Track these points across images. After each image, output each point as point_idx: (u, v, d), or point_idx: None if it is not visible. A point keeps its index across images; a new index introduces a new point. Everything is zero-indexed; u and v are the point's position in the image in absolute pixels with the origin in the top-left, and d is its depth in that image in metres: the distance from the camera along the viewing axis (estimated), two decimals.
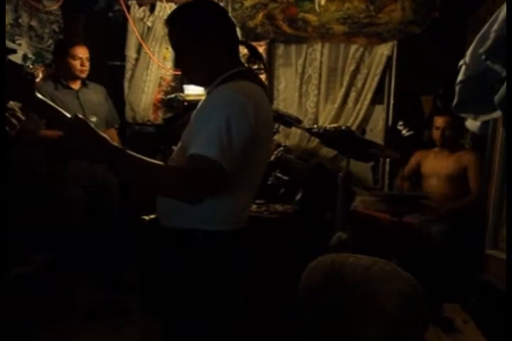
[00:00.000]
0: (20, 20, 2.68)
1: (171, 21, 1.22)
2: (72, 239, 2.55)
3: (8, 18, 2.58)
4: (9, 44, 2.56)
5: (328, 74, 3.24)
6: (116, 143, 1.06)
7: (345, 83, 3.18)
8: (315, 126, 2.44)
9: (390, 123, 3.20)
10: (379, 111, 3.29)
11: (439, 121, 2.66)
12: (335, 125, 2.36)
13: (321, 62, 3.23)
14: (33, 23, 2.80)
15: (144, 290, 2.36)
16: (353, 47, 3.17)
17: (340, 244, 1.83)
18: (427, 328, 1.36)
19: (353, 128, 3.01)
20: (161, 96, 3.39)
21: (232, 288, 1.24)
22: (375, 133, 3.28)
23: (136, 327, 2.30)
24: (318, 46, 3.22)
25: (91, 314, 2.42)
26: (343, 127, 2.20)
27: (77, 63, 2.48)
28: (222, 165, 1.04)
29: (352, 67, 3.17)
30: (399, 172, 2.94)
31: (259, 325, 1.93)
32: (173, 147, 1.32)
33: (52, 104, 1.23)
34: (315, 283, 1.39)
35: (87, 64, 2.53)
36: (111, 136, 2.79)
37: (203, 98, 1.25)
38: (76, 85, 2.57)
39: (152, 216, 1.33)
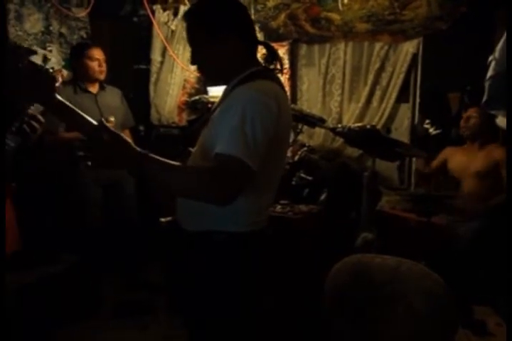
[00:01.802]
0: (51, 28, 2.78)
1: (188, 16, 1.22)
2: (95, 239, 2.60)
3: (40, 26, 2.68)
4: (41, 51, 2.65)
5: (352, 73, 3.21)
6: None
7: (369, 82, 3.14)
8: (339, 125, 2.42)
9: (416, 121, 3.14)
10: (404, 110, 3.23)
11: (470, 111, 2.56)
12: (359, 124, 2.34)
13: (344, 61, 3.19)
14: (63, 30, 2.89)
15: (169, 290, 2.39)
16: (378, 45, 3.12)
17: (366, 244, 1.81)
18: (456, 330, 1.33)
19: (378, 127, 2.96)
20: (185, 98, 3.44)
21: (257, 288, 1.24)
22: (401, 132, 3.22)
23: (161, 326, 2.32)
24: (341, 45, 3.19)
25: (117, 312, 2.46)
26: (368, 126, 2.17)
27: (94, 64, 2.51)
28: (248, 164, 1.03)
29: (376, 66, 3.12)
30: (417, 168, 2.84)
31: (286, 325, 1.93)
32: (190, 149, 1.32)
33: (73, 107, 1.22)
34: (341, 283, 1.38)
35: (104, 65, 2.57)
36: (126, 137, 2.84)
37: (220, 98, 1.25)
38: (94, 88, 2.59)
39: (169, 218, 1.34)
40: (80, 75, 2.57)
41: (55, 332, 2.18)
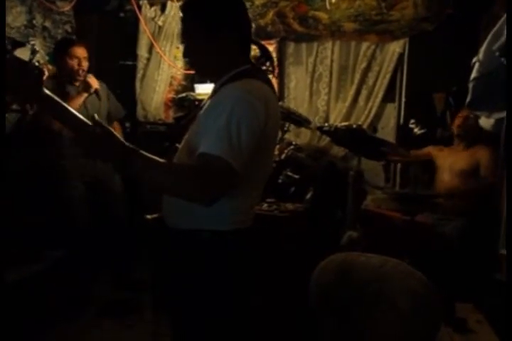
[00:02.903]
0: (34, 21, 2.72)
1: (185, 7, 1.21)
2: (79, 236, 2.57)
3: (23, 19, 2.63)
4: (32, 42, 2.59)
5: (339, 72, 3.22)
6: (119, 135, 1.05)
7: (356, 81, 3.16)
8: (326, 124, 2.43)
9: (401, 121, 3.17)
10: (390, 109, 3.26)
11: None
12: (346, 123, 2.35)
13: (331, 60, 3.21)
14: (47, 23, 2.84)
15: (155, 289, 2.38)
16: (365, 45, 3.14)
17: (351, 242, 1.82)
18: (440, 328, 1.35)
19: (364, 126, 2.99)
20: (172, 95, 3.41)
21: (242, 287, 1.24)
22: (387, 131, 3.25)
23: (148, 325, 2.31)
24: (329, 44, 3.20)
25: (103, 311, 2.44)
26: (354, 125, 2.18)
27: (74, 63, 2.47)
28: (231, 164, 1.03)
29: (363, 65, 3.14)
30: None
31: (272, 324, 1.93)
32: (177, 145, 1.31)
33: (60, 101, 1.19)
34: (326, 282, 1.39)
35: (84, 64, 2.51)
36: (114, 128, 2.80)
37: (209, 96, 1.24)
38: (78, 84, 2.53)
39: (155, 215, 1.33)
40: (61, 72, 2.53)
41: (40, 331, 2.16)
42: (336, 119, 3.16)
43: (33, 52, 2.26)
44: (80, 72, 2.49)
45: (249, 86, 1.12)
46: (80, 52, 2.50)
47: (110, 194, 2.67)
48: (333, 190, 2.24)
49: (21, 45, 1.44)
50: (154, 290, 2.42)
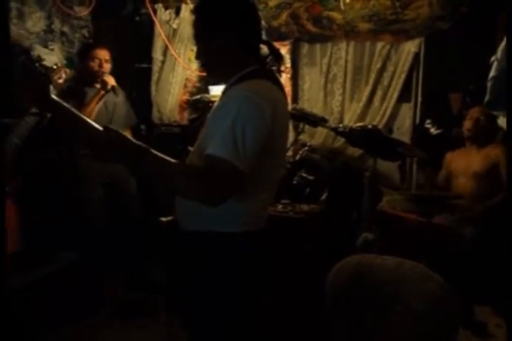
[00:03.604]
0: (53, 26, 2.78)
1: (196, 10, 1.22)
2: (95, 238, 2.60)
3: (42, 25, 2.69)
4: (43, 49, 2.65)
5: (353, 72, 3.20)
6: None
7: (371, 81, 3.14)
8: (340, 125, 2.42)
9: (417, 121, 3.14)
10: (406, 110, 3.23)
11: (475, 111, 2.55)
12: (361, 124, 2.34)
13: (346, 61, 3.19)
14: (65, 28, 2.90)
15: (169, 290, 2.39)
16: (379, 45, 3.12)
17: (367, 244, 1.81)
18: (458, 331, 1.33)
19: (380, 126, 2.96)
20: (186, 97, 3.44)
21: (253, 288, 1.24)
22: (402, 131, 3.22)
23: (162, 327, 2.33)
24: (343, 44, 3.19)
25: (118, 312, 2.47)
26: (369, 126, 2.17)
27: (95, 64, 2.53)
28: (237, 166, 1.03)
29: (378, 65, 3.12)
30: (427, 174, 2.84)
31: (286, 325, 1.93)
32: (189, 148, 1.32)
33: (68, 106, 1.19)
34: (342, 283, 1.38)
35: (105, 66, 2.56)
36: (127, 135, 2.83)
37: (220, 97, 1.25)
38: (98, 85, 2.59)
39: (169, 217, 1.34)
40: (83, 75, 2.59)
41: (55, 331, 2.19)
42: (351, 120, 3.14)
43: (39, 59, 2.31)
44: (101, 73, 2.54)
45: (256, 86, 1.12)
46: (102, 54, 2.55)
47: (126, 195, 2.71)
48: (348, 191, 2.23)
49: (27, 52, 1.47)
50: (167, 292, 2.44)
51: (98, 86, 2.55)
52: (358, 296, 1.35)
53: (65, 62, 2.90)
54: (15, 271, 1.58)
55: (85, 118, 1.16)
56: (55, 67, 1.30)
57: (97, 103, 2.48)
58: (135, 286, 2.72)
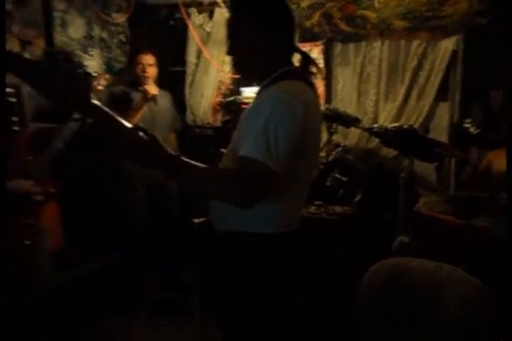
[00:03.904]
0: (92, 33, 2.90)
1: (232, 10, 1.22)
2: (136, 238, 2.68)
3: (82, 32, 2.81)
4: (84, 55, 2.77)
5: (388, 71, 3.15)
6: (174, 146, 1.09)
7: (406, 80, 3.07)
8: (375, 125, 2.38)
9: (455, 120, 3.04)
10: (443, 109, 3.13)
11: None
12: (396, 124, 2.29)
13: (380, 60, 3.14)
14: (104, 35, 3.01)
15: (203, 291, 2.43)
16: (415, 43, 3.05)
17: (403, 247, 1.77)
18: (498, 338, 1.29)
19: (416, 126, 2.89)
20: (219, 99, 3.48)
21: (286, 289, 1.24)
22: (439, 131, 3.13)
23: (197, 327, 2.36)
24: (377, 43, 3.14)
25: (154, 311, 2.52)
26: (405, 126, 2.12)
27: (139, 69, 2.62)
28: (270, 167, 1.04)
29: (414, 64, 3.05)
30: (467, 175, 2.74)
31: (319, 326, 1.92)
32: (223, 150, 1.34)
33: (107, 110, 1.22)
34: (377, 285, 1.36)
35: (149, 70, 2.64)
36: (171, 139, 2.94)
37: (253, 99, 1.26)
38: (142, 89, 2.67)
39: (202, 219, 1.37)
40: (133, 79, 2.70)
41: (94, 329, 2.27)
42: (386, 120, 3.09)
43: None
44: (144, 78, 2.62)
45: (289, 87, 1.13)
46: (146, 58, 2.64)
47: (167, 196, 2.78)
48: (382, 192, 2.19)
49: (69, 58, 1.55)
50: (202, 292, 2.48)
51: (142, 90, 2.63)
52: (394, 299, 1.33)
53: (104, 67, 3.01)
54: (57, 269, 1.66)
55: (123, 121, 1.20)
56: (95, 74, 1.37)
57: (140, 109, 2.56)
58: (169, 286, 2.78)
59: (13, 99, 1.45)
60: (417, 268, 1.34)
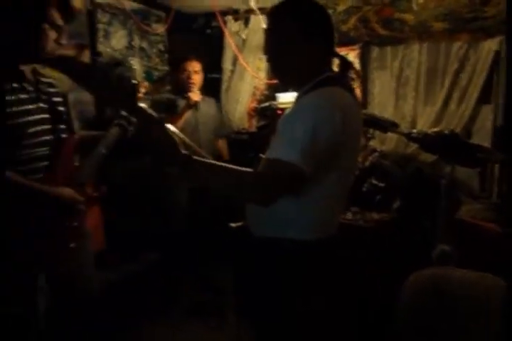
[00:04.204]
0: (133, 43, 3.01)
1: (281, 13, 1.21)
2: (175, 240, 2.74)
3: (124, 42, 2.92)
4: (129, 62, 2.89)
5: (427, 74, 3.07)
6: (223, 152, 1.12)
7: (446, 83, 2.99)
8: (414, 130, 2.32)
9: (498, 123, 2.92)
10: (486, 112, 3.02)
11: None
12: (437, 129, 2.22)
13: (419, 63, 3.07)
14: (144, 44, 3.12)
15: (237, 293, 2.45)
16: (456, 45, 2.96)
17: (444, 256, 1.72)
18: None
19: (457, 130, 2.80)
20: (254, 105, 3.52)
21: (323, 295, 1.24)
22: (482, 135, 3.02)
23: (232, 328, 2.38)
24: (415, 46, 3.07)
25: (189, 312, 2.56)
26: (446, 131, 2.06)
27: (184, 76, 2.71)
28: (303, 171, 1.04)
29: (455, 66, 2.96)
30: None
31: (355, 333, 1.90)
32: (261, 155, 1.35)
33: (153, 113, 1.27)
34: (417, 296, 1.33)
35: (195, 77, 2.72)
36: (220, 145, 3.02)
37: (292, 105, 1.26)
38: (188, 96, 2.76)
39: (239, 223, 1.38)
40: (175, 86, 2.81)
41: (128, 329, 2.33)
42: (425, 124, 3.01)
43: (131, 70, 2.49)
44: (189, 85, 2.70)
45: (328, 94, 1.13)
46: (192, 65, 2.74)
47: (210, 199, 2.82)
48: (422, 199, 2.13)
49: (120, 65, 1.62)
50: (236, 295, 2.50)
51: (188, 96, 2.70)
52: (433, 309, 1.29)
53: (143, 75, 3.11)
54: (98, 269, 1.72)
55: (167, 128, 1.25)
56: (135, 82, 1.44)
57: (182, 114, 2.64)
58: (203, 288, 2.82)
59: (61, 108, 1.52)
60: (459, 279, 1.30)
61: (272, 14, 1.24)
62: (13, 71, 1.35)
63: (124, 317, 2.35)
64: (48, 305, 1.42)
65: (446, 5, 2.86)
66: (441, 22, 2.91)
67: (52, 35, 1.36)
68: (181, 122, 2.63)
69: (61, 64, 1.39)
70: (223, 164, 1.13)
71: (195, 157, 1.10)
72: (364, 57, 3.22)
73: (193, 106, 2.69)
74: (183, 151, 1.10)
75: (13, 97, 1.31)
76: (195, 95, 2.69)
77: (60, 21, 1.38)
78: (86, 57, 2.51)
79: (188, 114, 2.70)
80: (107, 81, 1.25)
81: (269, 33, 1.22)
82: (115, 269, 2.61)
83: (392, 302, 1.47)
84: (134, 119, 1.51)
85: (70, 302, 1.56)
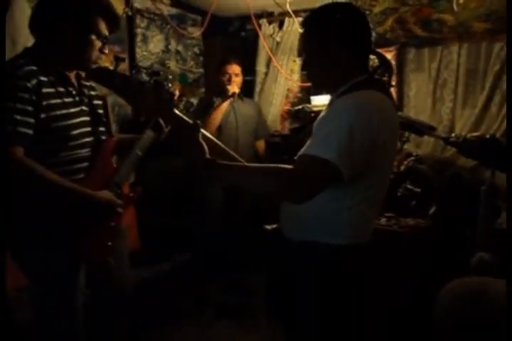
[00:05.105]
0: (169, 47, 3.09)
1: (305, 23, 1.24)
2: (208, 240, 2.77)
3: (161, 46, 3.01)
4: (160, 67, 2.96)
5: (466, 76, 2.97)
6: (260, 153, 1.14)
7: (487, 85, 2.88)
8: (453, 134, 2.25)
9: None
10: None
11: None
12: (477, 134, 2.15)
13: (458, 65, 2.98)
14: (179, 47, 3.19)
15: (269, 296, 2.44)
16: (497, 46, 2.85)
17: (483, 265, 1.65)
18: None
19: (498, 134, 2.70)
20: (288, 107, 3.51)
21: (356, 300, 1.23)
22: None
23: (262, 330, 2.38)
24: (455, 47, 2.98)
25: (219, 313, 2.57)
26: (487, 136, 1.98)
27: (225, 79, 2.76)
28: (340, 170, 1.03)
29: (496, 68, 2.85)
30: None
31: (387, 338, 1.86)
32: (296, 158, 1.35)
33: (187, 119, 1.31)
34: (454, 306, 1.29)
35: (235, 80, 2.77)
36: (258, 146, 3.06)
37: (326, 108, 1.26)
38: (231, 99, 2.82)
39: (274, 225, 1.39)
40: (216, 87, 2.85)
41: (164, 326, 2.37)
42: (463, 128, 2.91)
43: (167, 79, 2.56)
44: (231, 85, 2.74)
45: (365, 96, 1.12)
46: (232, 68, 2.79)
47: (246, 200, 2.85)
48: (460, 205, 2.07)
49: (157, 74, 1.67)
50: (268, 297, 2.50)
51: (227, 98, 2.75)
52: (472, 322, 1.25)
53: (178, 77, 3.18)
54: (132, 268, 1.77)
55: (204, 133, 1.28)
56: (172, 91, 1.48)
57: (219, 106, 2.68)
58: (233, 289, 2.84)
59: (101, 111, 1.57)
60: (499, 290, 1.25)
61: (306, 19, 1.25)
62: (60, 76, 1.41)
63: (155, 315, 2.39)
64: (85, 303, 1.46)
65: (488, 5, 2.76)
66: (483, 22, 2.82)
67: (98, 44, 1.42)
68: (219, 118, 2.67)
69: (100, 75, 1.44)
70: (251, 165, 1.15)
71: (220, 161, 1.13)
72: (400, 59, 3.16)
73: (231, 96, 2.73)
74: (207, 156, 1.13)
75: (58, 101, 1.36)
76: (233, 87, 2.73)
77: (105, 31, 1.43)
78: (124, 65, 2.58)
79: (228, 115, 2.74)
80: (145, 92, 1.29)
81: (302, 37, 1.25)
82: (148, 268, 2.67)
83: (425, 310, 1.43)
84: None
85: (106, 300, 1.61)
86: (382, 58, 1.26)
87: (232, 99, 2.76)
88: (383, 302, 1.85)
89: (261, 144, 3.04)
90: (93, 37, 1.39)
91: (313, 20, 1.23)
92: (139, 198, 1.65)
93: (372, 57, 1.28)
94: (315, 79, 1.27)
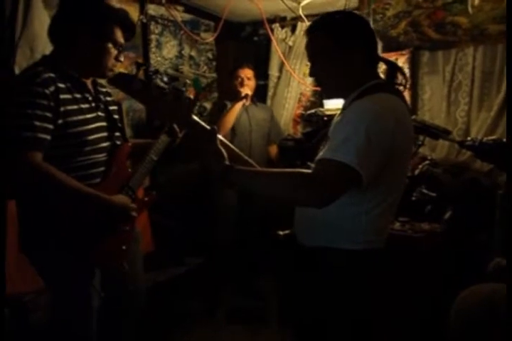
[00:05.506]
0: (183, 52, 3.12)
1: (315, 28, 1.24)
2: (222, 245, 2.78)
3: (175, 51, 3.04)
4: (174, 72, 2.99)
5: (482, 79, 2.94)
6: (273, 158, 1.15)
7: (503, 88, 2.84)
8: (468, 138, 2.22)
9: None
10: None
11: None
12: (494, 137, 2.11)
13: (473, 67, 2.94)
14: (193, 53, 3.22)
15: (281, 300, 2.43)
16: None
17: (500, 271, 1.62)
18: None
19: None
20: (300, 111, 3.51)
21: (370, 306, 1.22)
22: None
23: (273, 335, 2.37)
24: (469, 50, 2.95)
25: (230, 317, 2.58)
26: (504, 139, 1.95)
27: (237, 83, 2.78)
28: (358, 170, 1.02)
29: None
30: None
31: None
32: (309, 163, 1.35)
33: (205, 125, 1.33)
34: (471, 313, 1.27)
35: (247, 83, 2.79)
36: (271, 150, 3.07)
37: (339, 112, 1.25)
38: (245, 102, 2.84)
39: (287, 231, 1.39)
40: (228, 91, 2.88)
41: (175, 329, 2.38)
42: (479, 131, 2.87)
43: (185, 85, 2.58)
44: (244, 89, 2.76)
45: (379, 99, 1.12)
46: (245, 72, 2.82)
47: (259, 205, 2.85)
48: (476, 209, 2.03)
49: (175, 79, 1.68)
50: (280, 302, 2.49)
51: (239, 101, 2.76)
52: (489, 331, 1.22)
53: (190, 82, 3.19)
54: (145, 271, 1.78)
55: (222, 139, 1.29)
56: (191, 97, 1.50)
57: (232, 108, 2.69)
58: (245, 294, 2.83)
59: (116, 116, 1.59)
60: None
61: (308, 30, 1.26)
62: (77, 83, 1.44)
63: (167, 319, 2.41)
64: (99, 305, 1.48)
65: (503, 7, 2.73)
66: (498, 24, 2.78)
67: (114, 52, 1.44)
68: (232, 119, 2.69)
69: (121, 81, 1.46)
70: (269, 169, 1.15)
71: (238, 167, 1.13)
72: (414, 62, 3.14)
73: (243, 98, 2.74)
74: (226, 162, 1.13)
75: (75, 107, 1.39)
76: (245, 90, 2.76)
77: (121, 40, 1.46)
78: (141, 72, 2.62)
79: (241, 118, 2.75)
80: (165, 97, 1.30)
81: (307, 51, 1.25)
82: (161, 271, 2.69)
83: (441, 315, 1.41)
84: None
85: (120, 303, 1.62)
86: (389, 64, 1.25)
87: (245, 100, 2.77)
88: (398, 308, 1.83)
89: (273, 149, 3.04)
90: (110, 45, 1.42)
91: (312, 29, 1.24)
92: (154, 202, 1.66)
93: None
94: (325, 86, 1.28)
